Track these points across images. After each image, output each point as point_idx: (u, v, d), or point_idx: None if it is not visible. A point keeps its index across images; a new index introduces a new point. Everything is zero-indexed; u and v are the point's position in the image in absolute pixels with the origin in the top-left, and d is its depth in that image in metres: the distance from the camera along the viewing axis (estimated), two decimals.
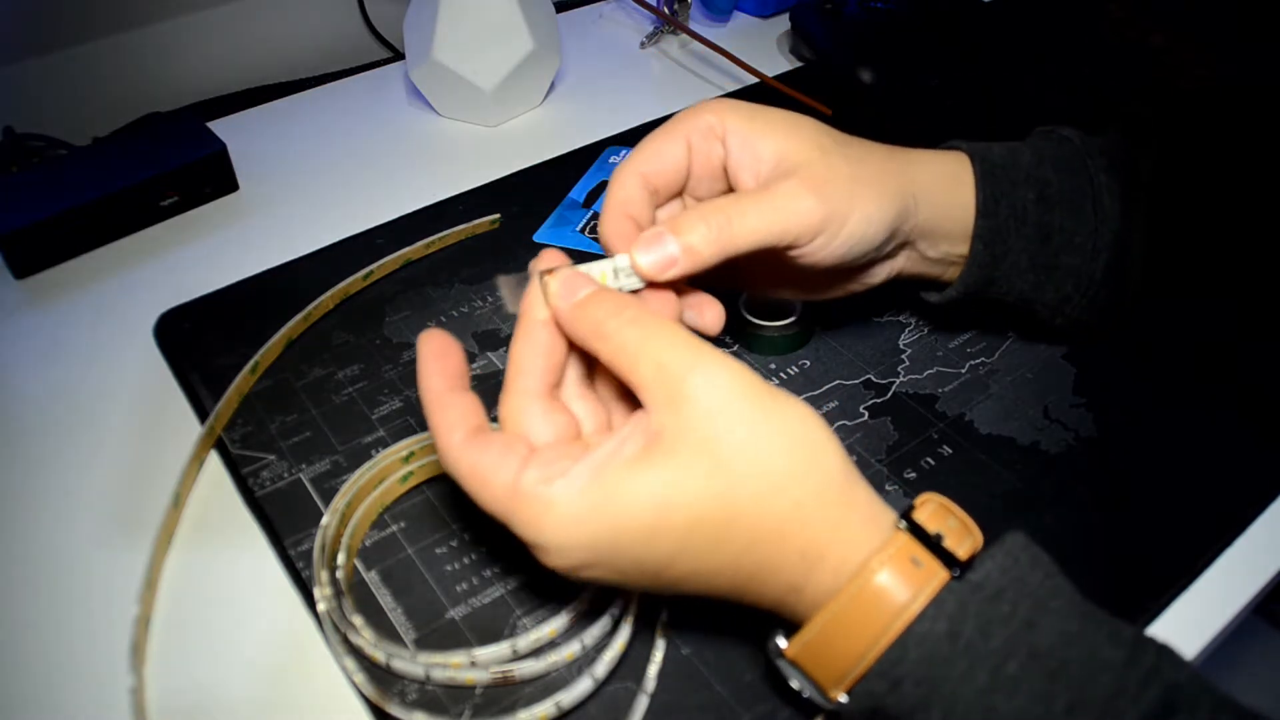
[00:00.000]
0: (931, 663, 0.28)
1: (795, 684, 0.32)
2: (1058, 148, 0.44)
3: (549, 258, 0.34)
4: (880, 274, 0.42)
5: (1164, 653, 0.28)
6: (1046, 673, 0.27)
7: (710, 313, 0.37)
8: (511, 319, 0.51)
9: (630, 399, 0.34)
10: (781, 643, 0.31)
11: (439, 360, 0.33)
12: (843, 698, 0.30)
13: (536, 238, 0.56)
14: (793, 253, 0.37)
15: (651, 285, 0.35)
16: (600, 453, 0.30)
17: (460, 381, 0.33)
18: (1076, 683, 0.27)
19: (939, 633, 0.28)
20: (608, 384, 0.35)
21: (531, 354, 0.33)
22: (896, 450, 0.44)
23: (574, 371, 0.35)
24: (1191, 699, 0.27)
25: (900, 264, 0.42)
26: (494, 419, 0.34)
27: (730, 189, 0.39)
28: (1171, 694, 0.27)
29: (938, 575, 0.29)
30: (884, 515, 0.31)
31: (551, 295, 0.33)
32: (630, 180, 0.38)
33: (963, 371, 0.48)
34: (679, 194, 0.40)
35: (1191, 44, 0.70)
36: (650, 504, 0.29)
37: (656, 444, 0.29)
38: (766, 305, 0.50)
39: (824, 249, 0.37)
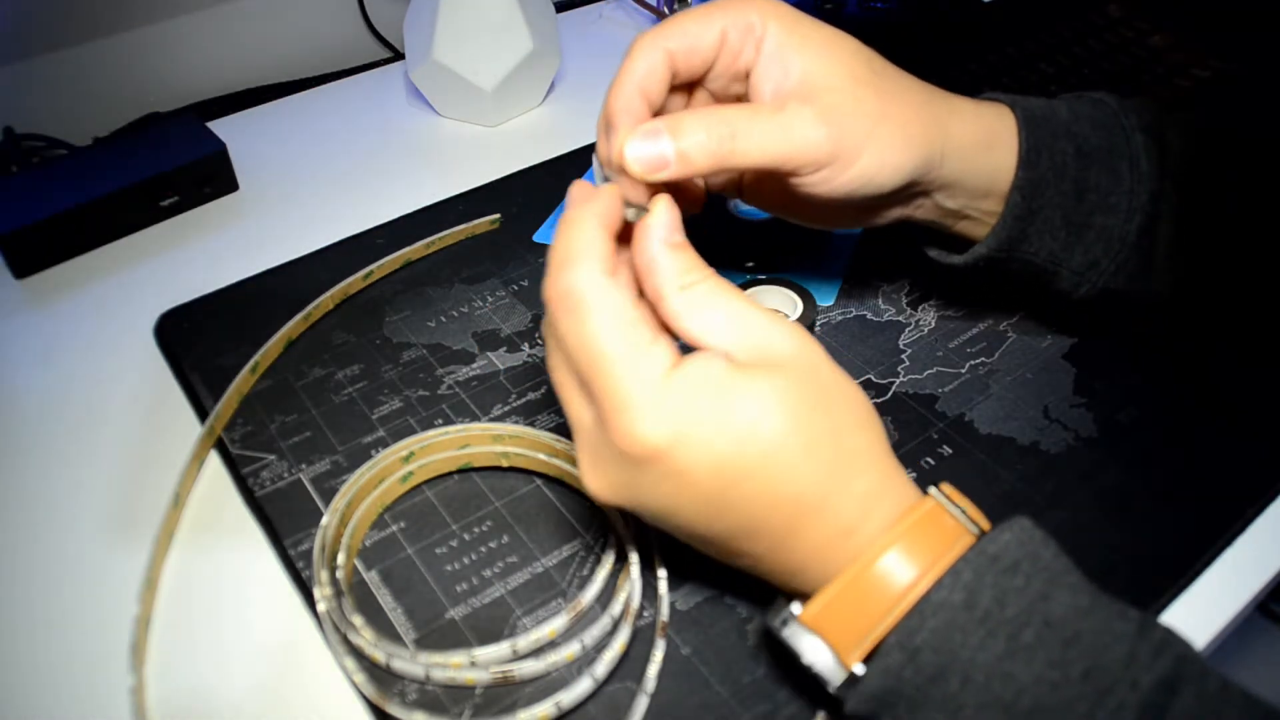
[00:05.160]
0: (949, 630, 0.28)
1: (807, 656, 0.31)
2: (1092, 108, 0.43)
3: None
4: (889, 216, 0.41)
5: (1170, 631, 0.29)
6: (1061, 641, 0.28)
7: (688, 198, 0.38)
8: (511, 319, 0.51)
9: None
10: (796, 608, 0.31)
11: (613, 205, 0.32)
12: (859, 667, 0.29)
13: (536, 238, 0.56)
14: (794, 180, 0.36)
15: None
16: (709, 355, 0.30)
17: (614, 231, 0.32)
18: (1091, 651, 0.27)
19: (955, 602, 0.28)
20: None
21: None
22: (896, 450, 0.44)
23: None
24: (1201, 671, 0.28)
25: (912, 210, 0.41)
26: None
27: (747, 92, 0.37)
28: (1182, 665, 0.27)
29: (962, 538, 0.30)
30: (914, 486, 0.32)
31: (650, 226, 0.32)
32: (653, 53, 0.35)
33: (963, 371, 0.48)
34: (695, 83, 0.38)
35: (1191, 44, 0.70)
36: (751, 409, 0.29)
37: (758, 362, 0.30)
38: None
39: (827, 183, 0.36)
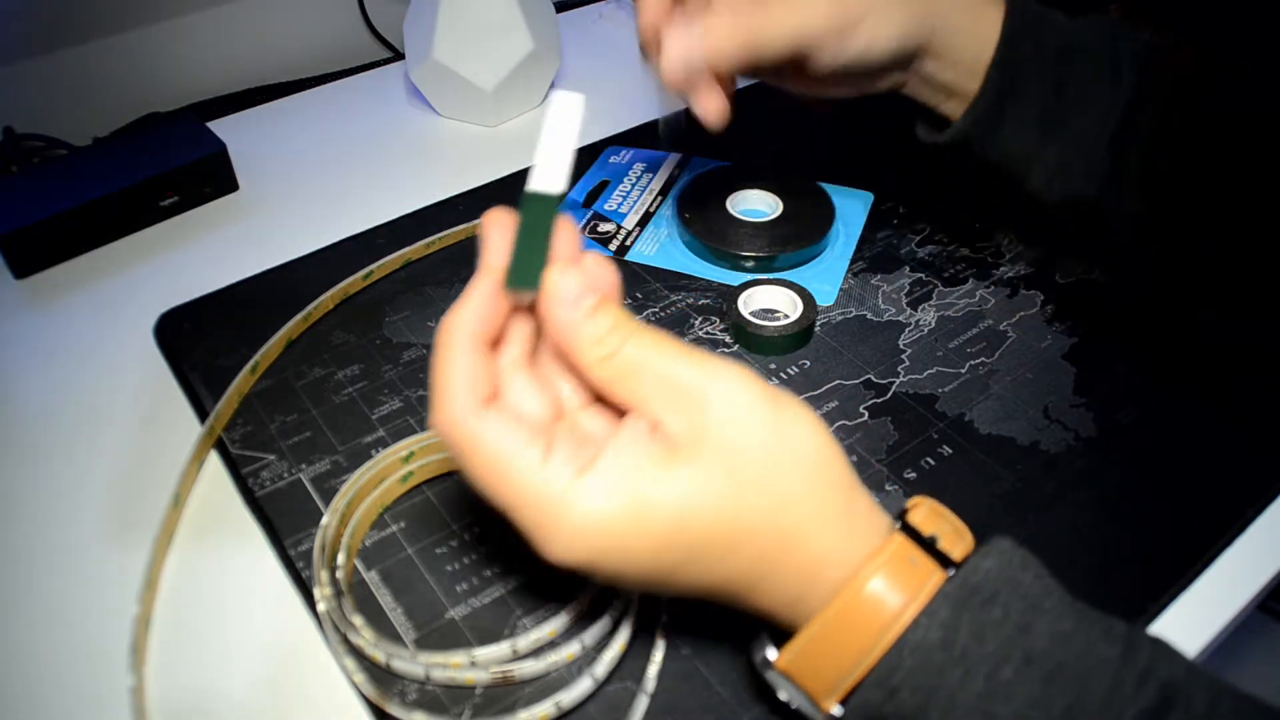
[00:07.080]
0: (926, 670, 0.27)
1: (784, 695, 0.31)
2: (1090, 21, 0.45)
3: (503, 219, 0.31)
4: (884, 82, 0.45)
5: (1158, 647, 0.28)
6: (1043, 675, 0.27)
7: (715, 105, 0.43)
8: None
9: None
10: (771, 654, 0.31)
11: (489, 308, 0.30)
12: (836, 709, 0.29)
13: None
14: (808, 57, 0.41)
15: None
16: (619, 453, 0.28)
17: (492, 337, 0.30)
18: (1073, 683, 0.27)
19: (933, 641, 0.28)
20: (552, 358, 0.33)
21: (491, 314, 0.30)
22: (896, 450, 0.44)
23: (521, 347, 0.32)
24: (1188, 693, 0.27)
25: (905, 78, 0.45)
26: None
27: None
28: (1168, 690, 0.27)
29: (933, 576, 0.29)
30: (881, 520, 0.31)
31: (549, 306, 0.30)
32: None
33: (963, 371, 0.48)
34: None
35: (1191, 44, 0.70)
36: (670, 514, 0.28)
37: (676, 452, 0.28)
38: (766, 308, 0.50)
39: (837, 57, 0.41)
